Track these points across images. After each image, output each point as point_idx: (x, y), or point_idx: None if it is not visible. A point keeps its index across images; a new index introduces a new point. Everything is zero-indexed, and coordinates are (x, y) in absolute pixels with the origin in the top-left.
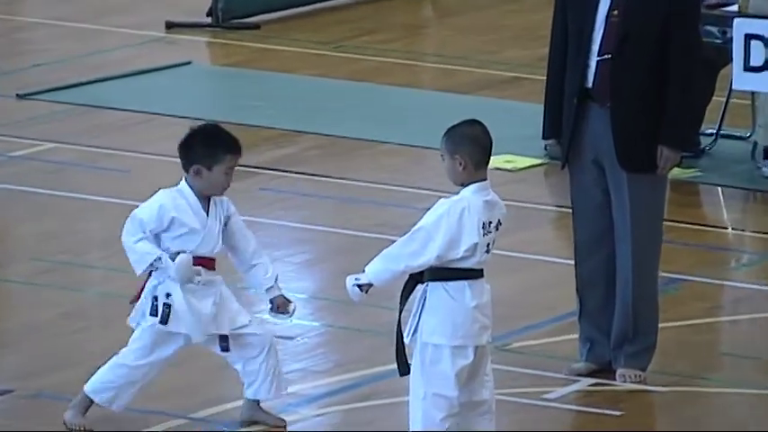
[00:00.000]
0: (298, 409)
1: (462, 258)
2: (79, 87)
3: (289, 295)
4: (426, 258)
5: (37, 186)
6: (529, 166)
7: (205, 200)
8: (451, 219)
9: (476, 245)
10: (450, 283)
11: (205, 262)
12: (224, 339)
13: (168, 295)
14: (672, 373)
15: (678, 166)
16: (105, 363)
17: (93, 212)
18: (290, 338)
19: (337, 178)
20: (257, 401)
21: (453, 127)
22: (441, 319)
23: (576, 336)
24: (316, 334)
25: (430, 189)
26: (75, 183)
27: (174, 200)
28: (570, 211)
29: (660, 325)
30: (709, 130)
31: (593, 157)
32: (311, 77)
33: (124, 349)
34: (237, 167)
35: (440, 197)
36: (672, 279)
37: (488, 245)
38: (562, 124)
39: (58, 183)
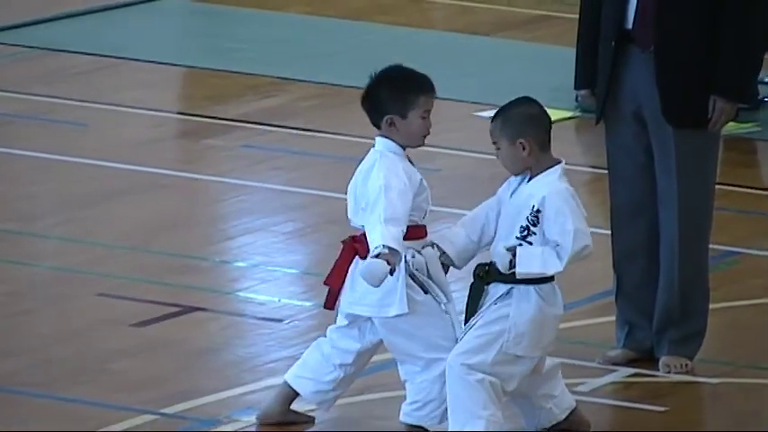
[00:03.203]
0: None
1: None
2: (30, 27)
3: (274, 271)
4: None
5: None
6: (558, 120)
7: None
8: (576, 208)
9: None
10: (543, 286)
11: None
12: None
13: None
14: (724, 362)
15: (733, 120)
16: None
17: (46, 172)
18: (279, 321)
19: (332, 133)
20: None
21: (506, 108)
22: (531, 328)
23: (612, 318)
24: (308, 315)
25: (439, 146)
26: (25, 138)
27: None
28: (606, 172)
29: (711, 306)
30: None
31: (634, 109)
32: (303, 16)
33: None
34: (216, 121)
35: (448, 155)
36: (725, 252)
37: None
38: (597, 72)
39: (5, 138)
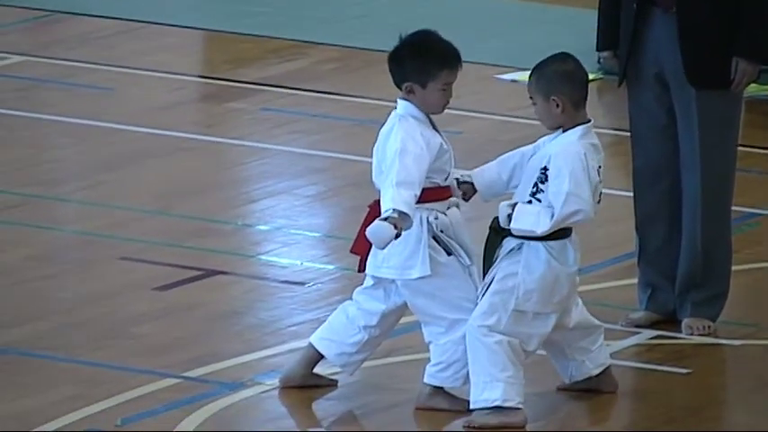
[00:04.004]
0: None
1: None
2: None
3: (296, 234)
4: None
5: (3, 107)
6: None
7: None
8: (580, 171)
9: (594, 193)
10: (553, 243)
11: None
12: None
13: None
14: (747, 324)
15: (755, 81)
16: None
17: (69, 137)
18: (301, 284)
19: (354, 96)
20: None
21: (542, 64)
22: (540, 285)
23: (635, 280)
24: (330, 279)
25: (463, 109)
26: (48, 102)
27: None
28: (629, 134)
29: (733, 268)
30: None
31: (656, 71)
32: None
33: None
34: (238, 84)
35: (470, 117)
36: (747, 214)
37: (600, 194)
38: (619, 33)
39: (28, 102)
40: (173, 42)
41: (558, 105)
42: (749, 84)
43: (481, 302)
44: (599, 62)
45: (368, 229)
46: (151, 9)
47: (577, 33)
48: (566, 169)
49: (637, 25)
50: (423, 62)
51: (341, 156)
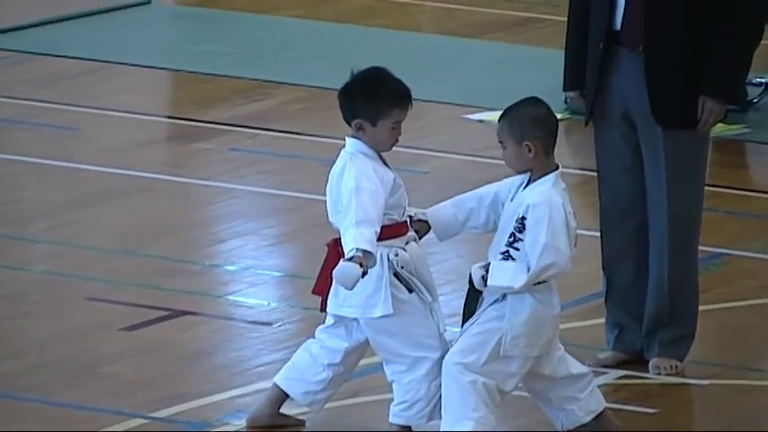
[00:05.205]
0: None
1: None
2: (19, 31)
3: (264, 275)
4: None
5: None
6: None
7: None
8: (559, 222)
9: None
10: (538, 287)
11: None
12: None
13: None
14: (714, 364)
15: (722, 121)
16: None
17: (35, 177)
18: (268, 324)
19: (321, 137)
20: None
21: (514, 108)
22: (527, 330)
23: (602, 320)
24: (297, 319)
25: (429, 149)
26: (14, 143)
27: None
28: (595, 174)
29: (700, 307)
30: (758, 80)
31: (623, 110)
32: (291, 19)
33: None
34: (205, 124)
35: (437, 157)
36: (715, 254)
37: (576, 236)
38: (586, 73)
39: None
40: (138, 82)
41: (530, 150)
42: (716, 123)
43: (461, 339)
44: (566, 102)
45: (334, 271)
46: (117, 49)
47: (544, 73)
48: (544, 220)
49: (603, 64)
50: (374, 100)
51: (308, 196)
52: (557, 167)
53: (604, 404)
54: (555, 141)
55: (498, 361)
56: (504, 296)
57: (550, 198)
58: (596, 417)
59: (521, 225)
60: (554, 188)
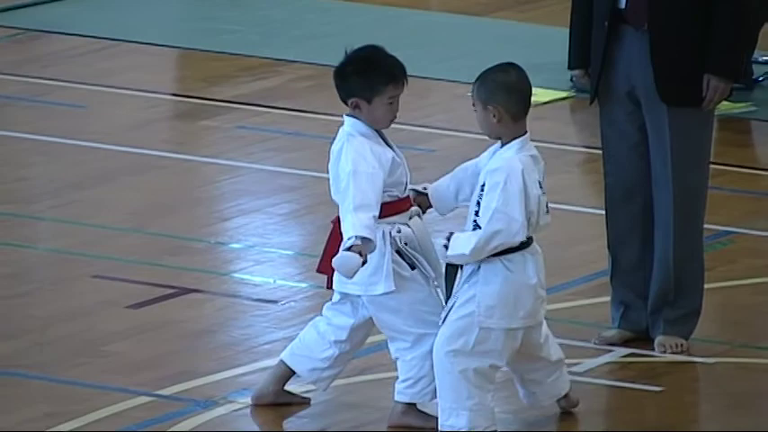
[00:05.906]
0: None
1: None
2: (26, 8)
3: (270, 252)
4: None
5: None
6: (552, 101)
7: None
8: (514, 188)
9: (538, 207)
10: (510, 256)
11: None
12: None
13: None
14: (720, 342)
15: (727, 99)
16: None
17: (42, 155)
18: (274, 302)
19: (328, 114)
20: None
21: (486, 72)
22: (500, 300)
23: (608, 298)
24: (303, 297)
25: (436, 127)
26: (21, 120)
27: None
28: (600, 152)
29: (706, 286)
30: (764, 58)
31: (628, 89)
32: None
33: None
34: (212, 102)
35: (443, 135)
36: (720, 232)
37: (547, 204)
38: (591, 51)
39: (0, 120)
40: (146, 60)
41: (494, 116)
42: (720, 101)
43: (444, 327)
44: (571, 80)
45: (334, 260)
46: (124, 27)
47: (549, 51)
48: (498, 185)
49: (608, 43)
50: (368, 77)
51: (314, 174)
52: (524, 133)
53: (568, 388)
54: (525, 109)
55: (486, 339)
56: (478, 268)
57: (510, 163)
58: (559, 400)
59: (482, 192)
60: (518, 154)
